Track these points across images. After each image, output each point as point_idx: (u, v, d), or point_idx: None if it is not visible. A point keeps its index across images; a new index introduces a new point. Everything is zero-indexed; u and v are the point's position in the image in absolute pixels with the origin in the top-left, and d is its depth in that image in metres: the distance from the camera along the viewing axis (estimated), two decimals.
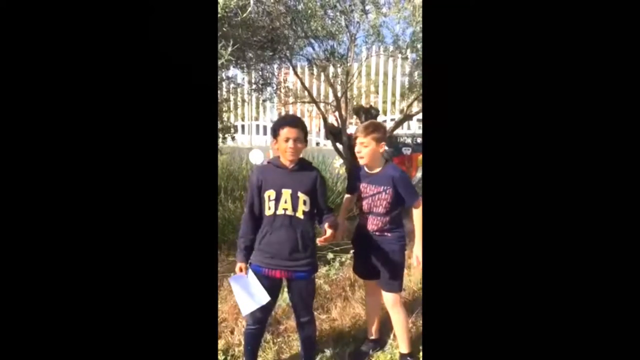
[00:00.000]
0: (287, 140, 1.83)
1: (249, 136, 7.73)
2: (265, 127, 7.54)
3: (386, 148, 2.02)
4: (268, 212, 1.86)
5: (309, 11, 2.81)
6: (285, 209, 1.84)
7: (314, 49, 3.42)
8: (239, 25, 2.49)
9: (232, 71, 3.82)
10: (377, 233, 2.02)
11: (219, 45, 2.27)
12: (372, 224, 2.03)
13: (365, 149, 1.98)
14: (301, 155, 1.95)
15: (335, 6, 2.96)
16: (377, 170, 2.01)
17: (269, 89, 3.80)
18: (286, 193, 1.84)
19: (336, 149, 3.98)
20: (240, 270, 1.88)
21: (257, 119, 7.85)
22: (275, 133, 1.87)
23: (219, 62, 2.34)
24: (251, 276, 1.83)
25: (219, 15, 2.12)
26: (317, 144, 6.98)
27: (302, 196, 1.85)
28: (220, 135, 3.64)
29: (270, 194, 1.86)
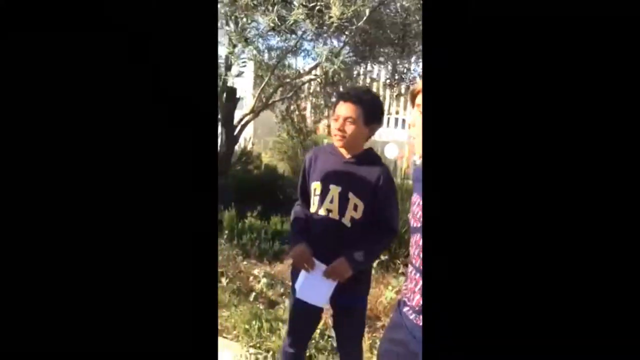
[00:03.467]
0: (336, 119, 1.33)
1: (389, 129, 7.74)
2: (404, 120, 7.50)
3: None
4: (312, 208, 1.40)
5: None
6: (329, 210, 1.35)
7: None
8: (369, 22, 2.55)
9: (370, 67, 3.89)
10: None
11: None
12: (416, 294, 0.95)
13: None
14: (367, 146, 1.41)
15: None
16: None
17: (402, 84, 3.77)
18: (334, 190, 1.34)
19: None
20: (302, 254, 1.33)
21: (397, 112, 7.83)
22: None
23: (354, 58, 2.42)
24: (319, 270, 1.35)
25: (348, 14, 2.19)
26: None
27: (353, 199, 1.32)
28: None
29: (316, 186, 1.38)
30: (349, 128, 1.31)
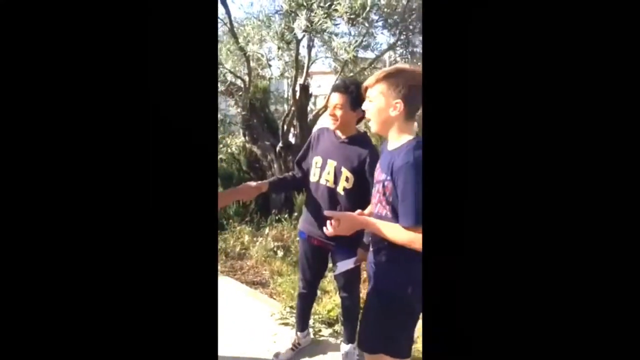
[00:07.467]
0: (329, 106, 1.66)
1: None
2: None
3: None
4: (312, 178, 1.75)
5: None
6: (327, 180, 1.69)
7: None
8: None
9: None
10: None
11: None
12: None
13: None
14: (363, 129, 1.71)
15: None
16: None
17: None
18: (331, 164, 1.68)
19: None
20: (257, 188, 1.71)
21: None
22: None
23: None
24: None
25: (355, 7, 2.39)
26: None
27: (345, 172, 1.64)
28: None
29: (317, 160, 1.74)
30: (339, 113, 1.61)
